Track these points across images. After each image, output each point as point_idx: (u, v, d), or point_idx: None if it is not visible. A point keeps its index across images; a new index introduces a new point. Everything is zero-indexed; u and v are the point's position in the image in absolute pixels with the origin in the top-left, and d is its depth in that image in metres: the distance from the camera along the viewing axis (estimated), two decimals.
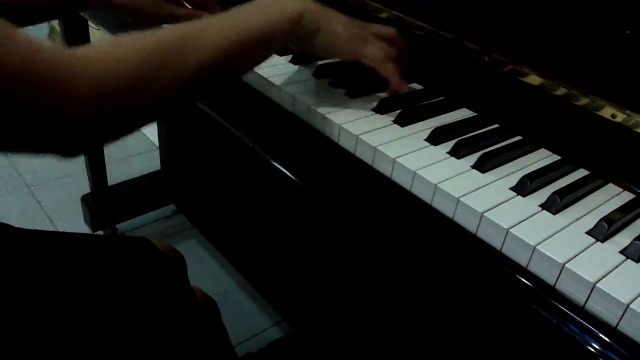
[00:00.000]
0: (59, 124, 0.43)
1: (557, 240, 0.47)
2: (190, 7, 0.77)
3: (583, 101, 0.58)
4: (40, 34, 2.49)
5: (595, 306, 0.43)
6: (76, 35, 1.19)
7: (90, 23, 1.15)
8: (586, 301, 0.44)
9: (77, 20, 1.16)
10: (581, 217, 0.51)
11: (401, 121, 0.63)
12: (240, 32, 0.54)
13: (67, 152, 0.46)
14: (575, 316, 0.44)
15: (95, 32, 1.81)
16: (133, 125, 0.50)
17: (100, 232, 1.50)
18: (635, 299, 0.42)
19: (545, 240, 0.47)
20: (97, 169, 1.42)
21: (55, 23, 2.21)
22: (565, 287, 0.45)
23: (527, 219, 0.50)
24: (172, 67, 0.49)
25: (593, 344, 0.42)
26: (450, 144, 0.59)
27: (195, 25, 0.53)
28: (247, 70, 0.61)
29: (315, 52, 0.66)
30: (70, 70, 0.43)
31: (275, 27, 0.57)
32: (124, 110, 0.47)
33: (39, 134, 0.43)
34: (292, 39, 0.61)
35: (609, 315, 0.43)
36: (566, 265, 0.45)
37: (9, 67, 0.39)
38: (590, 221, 0.50)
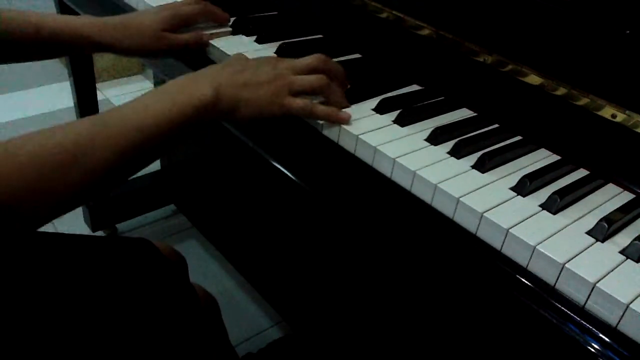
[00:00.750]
0: None
1: (557, 240, 0.48)
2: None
3: (583, 101, 0.58)
4: None
5: (595, 306, 0.43)
6: None
7: None
8: (586, 301, 0.44)
9: None
10: (581, 217, 0.51)
11: (401, 121, 0.63)
12: (145, 132, 0.51)
13: None
14: (575, 316, 0.44)
15: None
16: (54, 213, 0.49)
17: (100, 232, 1.50)
18: (635, 299, 0.42)
19: (545, 240, 0.47)
20: None
21: None
22: (565, 287, 0.45)
23: (527, 219, 0.50)
24: (69, 176, 0.47)
25: (593, 344, 0.42)
26: (450, 144, 0.59)
27: (89, 129, 0.49)
28: (154, 159, 0.57)
29: (242, 121, 0.61)
30: None
31: (185, 119, 0.54)
32: (14, 216, 0.45)
33: None
34: (209, 122, 0.58)
35: (609, 315, 0.43)
36: (566, 265, 0.45)
37: None
38: (590, 221, 0.50)
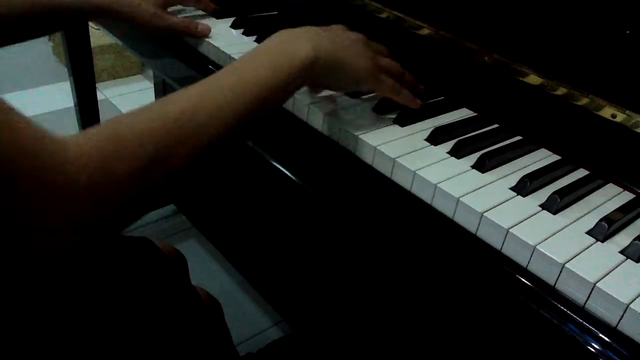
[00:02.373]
0: (48, 223, 0.39)
1: (557, 240, 0.47)
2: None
3: (583, 101, 0.59)
4: None
5: (595, 306, 0.43)
6: (76, 35, 1.19)
7: (90, 23, 1.15)
8: (586, 301, 0.44)
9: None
10: (581, 217, 0.51)
11: (401, 121, 0.63)
12: (249, 99, 0.50)
13: (58, 248, 0.42)
14: (575, 316, 0.44)
15: (95, 32, 1.81)
16: (138, 213, 0.46)
17: None
18: (635, 299, 0.42)
19: (545, 240, 0.47)
20: None
21: None
22: (565, 287, 0.45)
23: (527, 219, 0.50)
24: (177, 153, 0.45)
25: (593, 344, 0.42)
26: (450, 144, 0.59)
27: (201, 97, 0.48)
28: (263, 121, 0.55)
29: (334, 88, 0.63)
30: (68, 170, 0.39)
31: (289, 79, 0.53)
32: (125, 208, 0.43)
33: (25, 230, 0.39)
34: (307, 82, 0.58)
35: (609, 315, 0.43)
36: (566, 265, 0.45)
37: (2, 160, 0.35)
38: (590, 221, 0.50)
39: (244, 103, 0.50)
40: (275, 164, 0.64)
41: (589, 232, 0.49)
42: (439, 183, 0.53)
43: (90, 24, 1.17)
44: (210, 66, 0.76)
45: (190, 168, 0.47)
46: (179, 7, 0.85)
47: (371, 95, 0.68)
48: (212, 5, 0.85)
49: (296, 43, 0.55)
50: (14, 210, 0.37)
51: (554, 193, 0.52)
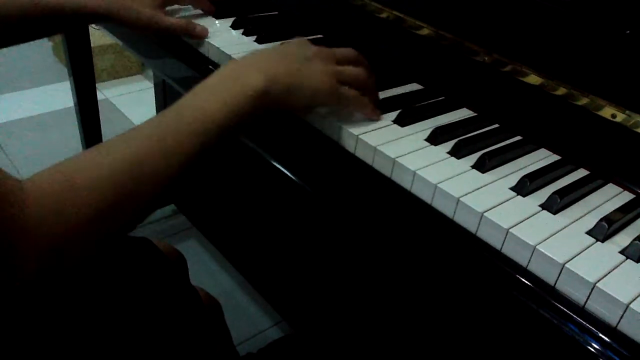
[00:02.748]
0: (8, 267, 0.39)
1: (557, 240, 0.48)
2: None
3: (583, 101, 0.59)
4: None
5: (595, 306, 0.43)
6: (76, 35, 1.19)
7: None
8: (586, 301, 0.44)
9: None
10: (581, 217, 0.51)
11: (401, 121, 0.63)
12: (200, 133, 0.50)
13: (18, 285, 0.42)
14: (575, 316, 0.44)
15: (95, 32, 1.81)
16: (103, 244, 0.47)
17: None
18: (635, 299, 0.42)
19: (545, 240, 0.47)
20: None
21: None
22: (565, 287, 0.45)
23: (527, 219, 0.50)
24: (134, 195, 0.46)
25: (593, 344, 0.42)
26: (450, 144, 0.59)
27: (149, 137, 0.48)
28: (216, 152, 0.55)
29: (294, 109, 0.61)
30: (21, 212, 0.39)
31: (241, 112, 0.53)
32: (85, 246, 0.44)
33: None
34: (263, 111, 0.56)
35: (609, 315, 0.43)
36: (566, 265, 0.45)
37: None
38: (590, 221, 0.50)
39: (191, 143, 0.49)
40: (275, 163, 0.64)
41: (589, 232, 0.49)
42: (439, 183, 0.53)
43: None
44: (210, 66, 0.76)
45: (144, 212, 0.48)
46: (176, 6, 0.85)
47: None
48: (210, 5, 0.85)
49: (246, 74, 0.54)
50: None
51: (554, 193, 0.52)
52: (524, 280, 0.47)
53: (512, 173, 0.56)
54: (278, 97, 0.55)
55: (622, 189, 0.57)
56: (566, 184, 0.55)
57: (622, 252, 0.48)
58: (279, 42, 0.77)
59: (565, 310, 0.44)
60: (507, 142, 0.62)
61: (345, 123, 0.61)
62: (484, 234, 0.50)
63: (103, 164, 0.45)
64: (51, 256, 0.41)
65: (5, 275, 0.39)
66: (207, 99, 0.52)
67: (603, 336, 0.42)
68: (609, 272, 0.45)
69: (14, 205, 0.39)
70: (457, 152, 0.58)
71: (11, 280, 0.39)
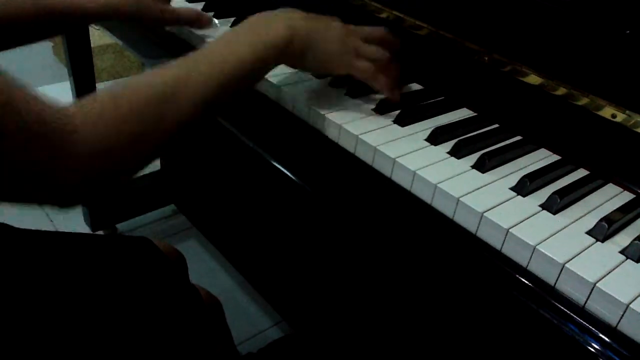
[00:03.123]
0: (54, 183, 0.43)
1: (557, 240, 0.47)
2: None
3: (583, 101, 0.58)
4: None
5: (595, 306, 0.43)
6: (76, 35, 1.19)
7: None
8: (586, 301, 0.44)
9: None
10: (581, 217, 0.51)
11: (401, 121, 0.63)
12: (229, 70, 0.54)
13: (62, 205, 0.47)
14: (575, 316, 0.44)
15: (95, 32, 1.81)
16: (129, 175, 0.50)
17: (100, 232, 1.50)
18: (635, 299, 0.42)
19: (545, 240, 0.47)
20: None
21: None
22: (565, 287, 0.45)
23: (527, 219, 0.50)
24: (167, 118, 0.50)
25: (593, 344, 0.42)
26: (450, 144, 0.59)
27: (184, 67, 0.53)
28: (239, 97, 0.60)
29: (306, 69, 0.65)
30: (70, 136, 0.43)
31: (265, 56, 0.57)
32: (120, 167, 0.48)
33: (35, 189, 0.43)
34: (282, 61, 0.61)
35: (609, 315, 0.43)
36: (566, 265, 0.45)
37: (7, 126, 0.39)
38: (590, 221, 0.50)
39: (225, 77, 0.53)
40: (275, 163, 0.64)
41: (589, 232, 0.49)
42: (439, 183, 0.53)
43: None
44: None
45: (180, 132, 0.51)
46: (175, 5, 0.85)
47: (372, 95, 0.68)
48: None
49: (272, 23, 0.58)
50: (26, 168, 0.41)
51: (554, 193, 0.52)
52: (524, 280, 0.47)
53: (512, 173, 0.56)
54: (295, 50, 0.59)
55: (622, 189, 0.57)
56: (566, 184, 0.55)
57: (622, 252, 0.48)
58: None
59: (565, 310, 0.44)
60: (507, 142, 0.62)
61: (345, 123, 0.61)
62: (484, 234, 0.50)
63: (140, 90, 0.49)
64: (88, 170, 0.45)
65: (60, 183, 0.44)
66: (236, 41, 0.56)
67: (603, 336, 0.42)
68: (609, 272, 0.45)
69: (65, 131, 0.43)
70: (457, 152, 0.58)
71: (66, 187, 0.44)
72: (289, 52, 0.58)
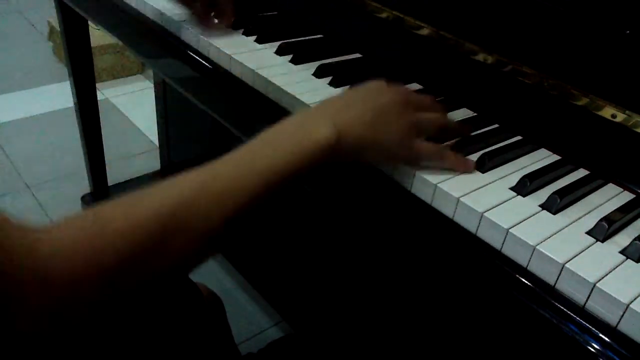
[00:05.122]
0: (10, 315, 0.34)
1: (557, 240, 0.47)
2: None
3: (583, 101, 0.58)
4: (40, 35, 2.49)
5: (595, 306, 0.43)
6: (76, 36, 1.19)
7: (90, 23, 1.15)
8: (586, 301, 0.44)
9: (78, 20, 1.16)
10: (581, 217, 0.51)
11: None
12: (255, 187, 0.44)
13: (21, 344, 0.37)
14: (575, 316, 0.44)
15: (95, 32, 1.81)
16: (128, 301, 0.41)
17: None
18: (635, 299, 0.42)
19: (545, 240, 0.47)
20: (97, 169, 1.42)
21: (55, 23, 2.21)
22: (565, 287, 0.45)
23: (527, 219, 0.50)
24: (175, 247, 0.40)
25: (593, 344, 0.42)
26: (450, 144, 0.59)
27: (201, 185, 0.43)
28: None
29: (364, 165, 0.55)
30: (39, 266, 0.34)
31: (303, 165, 0.47)
32: (96, 305, 0.38)
33: None
34: (329, 164, 0.50)
35: (609, 315, 0.43)
36: (566, 265, 0.45)
37: None
38: (590, 221, 0.50)
39: (249, 191, 0.44)
40: None
41: (589, 232, 0.49)
42: (439, 183, 0.53)
43: (90, 23, 1.16)
44: (210, 66, 0.76)
45: (185, 263, 0.42)
46: (181, 12, 0.85)
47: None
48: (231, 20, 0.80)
49: (316, 124, 0.48)
50: None
51: (554, 193, 0.52)
52: (524, 280, 0.46)
53: (512, 173, 0.56)
54: (349, 151, 0.50)
55: (622, 189, 0.57)
56: (566, 184, 0.55)
57: (622, 252, 0.48)
58: (278, 42, 0.77)
59: (565, 310, 0.44)
60: (507, 142, 0.62)
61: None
62: (484, 234, 0.50)
63: (140, 208, 0.40)
64: (69, 306, 0.36)
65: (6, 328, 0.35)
66: (272, 147, 0.47)
67: (603, 336, 0.42)
68: (609, 272, 0.45)
69: (16, 254, 0.34)
70: (457, 152, 0.58)
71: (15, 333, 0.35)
72: (338, 154, 0.49)
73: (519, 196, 0.53)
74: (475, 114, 0.68)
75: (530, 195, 0.53)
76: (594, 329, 0.43)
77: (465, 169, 0.55)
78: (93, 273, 0.36)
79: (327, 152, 0.48)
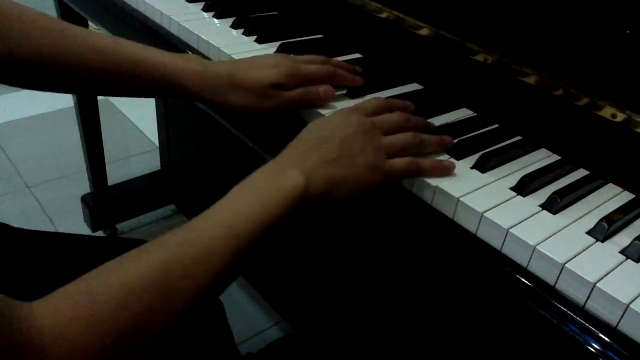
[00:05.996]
0: None
1: (557, 240, 0.47)
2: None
3: (583, 101, 0.58)
4: None
5: (595, 306, 0.43)
6: None
7: (90, 23, 1.15)
8: (586, 301, 0.44)
9: (78, 20, 1.16)
10: (581, 217, 0.51)
11: None
12: (231, 236, 0.45)
13: None
14: (575, 316, 0.44)
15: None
16: None
17: (100, 232, 1.50)
18: (635, 299, 0.42)
19: (545, 240, 0.47)
20: (97, 169, 1.42)
21: None
22: (565, 287, 0.45)
23: (527, 219, 0.50)
24: (162, 306, 0.40)
25: (593, 344, 0.42)
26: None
27: (178, 243, 0.43)
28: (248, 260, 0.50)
29: (336, 203, 0.53)
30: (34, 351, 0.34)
31: (279, 213, 0.47)
32: None
33: None
34: (301, 212, 0.50)
35: (609, 315, 0.43)
36: (566, 265, 0.45)
37: None
38: (590, 221, 0.50)
39: (222, 248, 0.44)
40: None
41: (589, 232, 0.49)
42: (439, 183, 0.53)
43: (90, 24, 1.16)
44: None
45: (174, 323, 0.42)
46: (182, 12, 0.85)
47: (371, 95, 0.67)
48: (360, 80, 0.68)
49: (282, 172, 0.49)
50: None
51: (554, 193, 0.52)
52: (524, 280, 0.47)
53: (512, 173, 0.56)
54: (318, 194, 0.50)
55: (622, 189, 0.57)
56: (566, 184, 0.55)
57: (622, 252, 0.48)
58: (278, 42, 0.77)
59: (565, 310, 0.44)
60: (507, 142, 0.62)
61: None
62: (484, 234, 0.50)
63: (128, 273, 0.40)
64: None
65: None
66: (241, 201, 0.47)
67: (603, 336, 0.42)
68: (609, 272, 0.45)
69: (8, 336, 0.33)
70: (458, 153, 0.58)
71: None
72: (308, 199, 0.49)
73: (519, 196, 0.53)
74: (475, 114, 0.68)
75: (530, 195, 0.53)
76: (594, 329, 0.43)
77: (446, 171, 0.54)
78: (87, 347, 0.36)
79: (297, 199, 0.48)
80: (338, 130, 0.53)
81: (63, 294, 0.38)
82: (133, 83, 0.61)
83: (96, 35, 0.60)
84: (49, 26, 0.57)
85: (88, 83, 0.61)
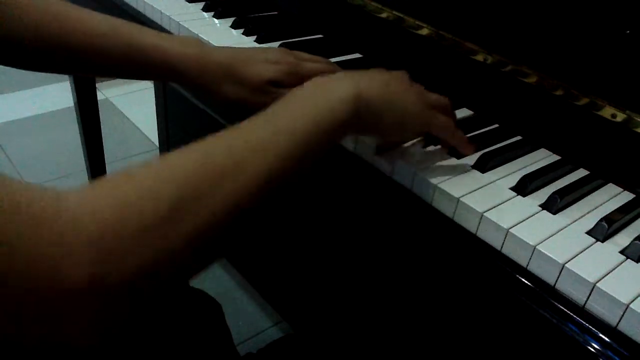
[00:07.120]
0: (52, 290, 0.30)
1: (557, 240, 0.48)
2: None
3: (583, 101, 0.58)
4: None
5: (595, 306, 0.43)
6: None
7: None
8: (586, 301, 0.44)
9: None
10: (581, 217, 0.51)
11: None
12: (284, 150, 0.42)
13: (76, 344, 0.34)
14: (575, 316, 0.44)
15: None
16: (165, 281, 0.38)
17: None
18: (635, 299, 0.42)
19: (545, 240, 0.47)
20: (97, 169, 1.42)
21: None
22: (565, 287, 0.45)
23: (527, 219, 0.50)
24: (207, 194, 0.37)
25: (593, 344, 0.42)
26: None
27: (230, 148, 0.40)
28: (303, 176, 0.47)
29: (379, 133, 0.55)
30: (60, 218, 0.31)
31: (331, 120, 0.45)
32: (149, 264, 0.35)
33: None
34: (351, 130, 0.49)
35: (609, 315, 0.43)
36: (566, 265, 0.45)
37: None
38: (590, 221, 0.50)
39: (275, 159, 0.42)
40: None
41: (589, 232, 0.49)
42: (439, 183, 0.53)
43: None
44: None
45: (214, 230, 0.39)
46: (182, 12, 0.85)
47: None
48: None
49: (335, 81, 0.49)
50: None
51: (554, 193, 0.52)
52: (524, 280, 0.47)
53: (512, 173, 0.56)
54: (367, 113, 0.49)
55: (622, 189, 0.57)
56: (566, 184, 0.55)
57: (622, 252, 0.48)
58: (278, 42, 0.77)
59: (565, 310, 0.44)
60: (507, 142, 0.62)
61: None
62: (484, 234, 0.50)
63: (170, 157, 0.39)
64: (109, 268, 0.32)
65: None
66: (296, 113, 0.45)
67: (603, 336, 0.42)
68: (609, 272, 0.45)
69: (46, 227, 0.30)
70: (457, 153, 0.58)
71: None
72: (358, 115, 0.48)
73: (519, 196, 0.53)
74: (475, 114, 0.68)
75: (530, 195, 0.53)
76: (594, 329, 0.43)
77: (468, 152, 0.58)
78: (128, 234, 0.32)
79: (350, 108, 0.47)
80: (392, 74, 0.55)
81: (102, 178, 0.35)
82: (129, 67, 0.61)
83: (92, 17, 0.60)
84: (44, 8, 0.58)
85: (83, 65, 0.61)
